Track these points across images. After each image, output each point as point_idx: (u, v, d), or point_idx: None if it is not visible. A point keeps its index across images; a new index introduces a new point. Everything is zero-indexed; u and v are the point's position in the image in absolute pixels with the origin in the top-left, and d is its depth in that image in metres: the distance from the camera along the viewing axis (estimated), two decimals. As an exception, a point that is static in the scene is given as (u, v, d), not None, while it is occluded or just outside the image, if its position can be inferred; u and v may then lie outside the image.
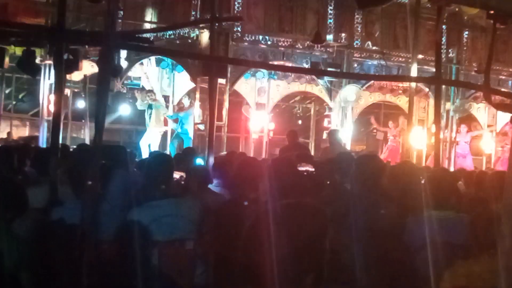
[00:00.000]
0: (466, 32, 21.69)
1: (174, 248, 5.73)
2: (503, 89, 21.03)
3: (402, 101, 23.12)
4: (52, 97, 18.04)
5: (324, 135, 22.25)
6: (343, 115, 19.98)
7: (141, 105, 19.96)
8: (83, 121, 21.07)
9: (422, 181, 6.50)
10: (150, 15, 20.23)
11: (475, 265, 4.64)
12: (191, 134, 18.93)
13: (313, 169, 8.10)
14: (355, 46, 19.77)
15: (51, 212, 5.74)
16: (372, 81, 20.65)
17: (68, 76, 17.78)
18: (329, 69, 18.81)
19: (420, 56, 16.37)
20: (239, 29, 18.02)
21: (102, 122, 4.47)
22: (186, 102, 20.49)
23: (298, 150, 13.02)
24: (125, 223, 5.11)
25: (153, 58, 19.96)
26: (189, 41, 18.12)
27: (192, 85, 19.13)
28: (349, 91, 19.48)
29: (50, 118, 18.34)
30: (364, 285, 4.85)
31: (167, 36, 18.88)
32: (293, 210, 3.23)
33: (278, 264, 3.01)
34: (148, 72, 21.04)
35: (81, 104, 21.78)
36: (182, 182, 7.99)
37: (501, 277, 4.11)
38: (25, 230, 4.84)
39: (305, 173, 7.83)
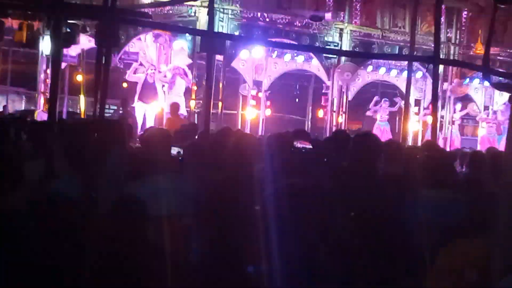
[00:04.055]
0: (465, 12, 21.62)
1: (170, 223, 5.72)
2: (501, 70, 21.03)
3: (399, 81, 23.09)
4: (49, 71, 18.00)
5: (321, 113, 22.29)
6: (340, 93, 19.97)
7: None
8: (79, 95, 20.97)
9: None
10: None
11: (471, 245, 4.65)
12: None
13: (310, 146, 8.09)
14: (354, 24, 19.70)
15: (47, 185, 5.73)
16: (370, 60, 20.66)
17: (65, 50, 17.72)
18: (327, 47, 18.79)
19: (418, 36, 16.33)
20: (237, 5, 17.95)
21: (103, 98, 4.45)
22: (168, 75, 20.35)
23: (180, 123, 14.98)
24: (121, 197, 5.10)
25: (150, 33, 19.85)
26: (188, 17, 18.04)
27: (189, 61, 19.09)
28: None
29: (47, 92, 18.33)
30: (360, 264, 4.86)
31: (165, 12, 18.79)
32: (297, 190, 3.24)
33: (282, 240, 3.03)
34: (145, 47, 20.96)
35: (78, 78, 21.68)
36: (180, 158, 7.98)
37: (496, 258, 4.12)
38: (20, 203, 4.83)
39: (303, 150, 7.82)
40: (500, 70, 20.84)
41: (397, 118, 23.88)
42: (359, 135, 6.97)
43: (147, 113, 19.94)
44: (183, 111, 19.37)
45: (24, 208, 4.70)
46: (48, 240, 4.35)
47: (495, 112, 23.69)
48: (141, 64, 20.22)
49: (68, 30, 15.50)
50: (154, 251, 4.65)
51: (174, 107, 18.02)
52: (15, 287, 4.21)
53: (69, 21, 15.47)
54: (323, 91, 21.29)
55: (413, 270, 5.17)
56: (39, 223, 4.48)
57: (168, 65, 20.62)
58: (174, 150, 8.20)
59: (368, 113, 23.89)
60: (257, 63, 21.76)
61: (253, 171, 6.10)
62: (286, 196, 3.22)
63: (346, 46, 19.38)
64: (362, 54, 19.21)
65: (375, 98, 23.68)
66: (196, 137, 10.85)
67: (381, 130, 22.83)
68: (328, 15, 19.09)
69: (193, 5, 17.79)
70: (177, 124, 16.03)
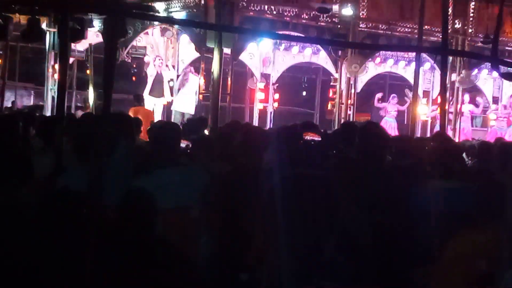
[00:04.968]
0: (473, 3, 21.51)
1: (178, 216, 5.73)
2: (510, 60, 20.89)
3: (407, 72, 23.04)
4: (57, 66, 18.02)
5: (329, 106, 22.27)
6: (348, 85, 19.92)
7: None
8: (88, 90, 21.00)
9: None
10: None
11: (479, 235, 4.65)
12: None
13: (319, 139, 8.09)
14: (361, 16, 19.62)
15: (56, 179, 5.75)
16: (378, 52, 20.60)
17: (72, 45, 17.75)
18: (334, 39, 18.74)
19: (426, 27, 16.26)
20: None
21: (110, 92, 4.45)
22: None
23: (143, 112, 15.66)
24: (130, 190, 5.11)
25: (157, 27, 19.85)
26: (195, 10, 18.01)
27: (197, 55, 19.07)
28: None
29: (55, 87, 18.37)
30: (368, 253, 4.87)
31: (172, 6, 18.77)
32: (304, 180, 3.24)
33: (289, 232, 3.02)
34: (153, 42, 20.99)
35: (86, 73, 21.73)
36: (188, 151, 7.99)
37: (505, 246, 4.12)
38: (30, 198, 4.85)
39: (311, 143, 7.82)
40: (509, 60, 20.74)
41: (406, 112, 23.79)
42: (365, 125, 6.96)
43: (156, 108, 20.00)
44: (192, 109, 19.38)
45: (33, 202, 4.72)
46: (57, 234, 4.37)
47: (505, 107, 23.61)
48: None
49: (76, 25, 15.56)
50: (162, 244, 4.66)
51: (137, 98, 18.60)
52: (24, 281, 4.23)
53: (76, 16, 15.52)
54: (331, 83, 21.26)
55: (422, 260, 5.17)
56: (48, 217, 4.50)
57: (176, 58, 20.69)
58: (183, 143, 8.21)
59: (377, 104, 23.71)
60: (265, 56, 21.74)
61: (261, 164, 6.11)
62: (293, 186, 3.22)
63: (353, 38, 19.29)
64: (369, 46, 19.12)
65: (378, 96, 23.50)
66: (205, 130, 10.88)
67: (388, 126, 22.74)
68: (335, 7, 19.02)
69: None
70: (141, 113, 16.12)
